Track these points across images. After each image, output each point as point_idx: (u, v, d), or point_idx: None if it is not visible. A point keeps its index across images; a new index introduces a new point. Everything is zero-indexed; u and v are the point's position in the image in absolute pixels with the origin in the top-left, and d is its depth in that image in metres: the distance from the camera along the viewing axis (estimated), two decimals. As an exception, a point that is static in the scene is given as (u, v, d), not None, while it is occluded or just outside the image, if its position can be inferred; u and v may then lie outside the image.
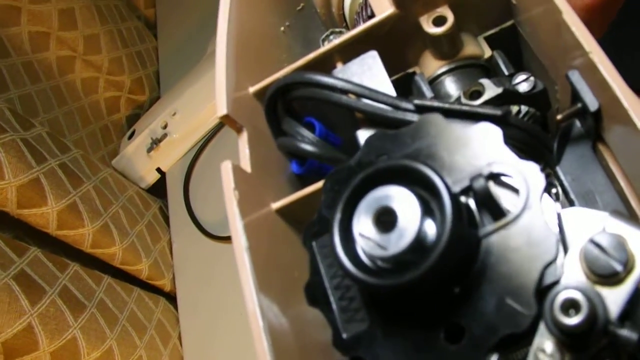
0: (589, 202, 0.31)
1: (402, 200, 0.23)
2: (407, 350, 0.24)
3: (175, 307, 0.94)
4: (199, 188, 1.00)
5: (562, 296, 0.21)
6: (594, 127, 0.31)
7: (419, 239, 0.22)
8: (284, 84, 0.34)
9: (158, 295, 0.93)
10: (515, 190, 0.24)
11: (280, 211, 0.35)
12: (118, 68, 1.07)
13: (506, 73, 0.36)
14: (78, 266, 0.80)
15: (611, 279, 0.22)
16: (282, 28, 0.44)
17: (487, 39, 0.38)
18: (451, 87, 0.37)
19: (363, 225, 0.23)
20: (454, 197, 0.22)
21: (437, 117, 0.27)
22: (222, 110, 0.34)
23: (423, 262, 0.21)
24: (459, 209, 0.22)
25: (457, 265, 0.23)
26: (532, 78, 0.34)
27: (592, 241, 0.22)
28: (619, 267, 0.22)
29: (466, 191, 0.25)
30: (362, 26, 0.35)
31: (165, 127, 1.03)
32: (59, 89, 0.97)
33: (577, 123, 0.33)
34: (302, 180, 0.39)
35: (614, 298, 0.22)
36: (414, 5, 0.35)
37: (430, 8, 0.35)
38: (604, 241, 0.22)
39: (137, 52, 1.13)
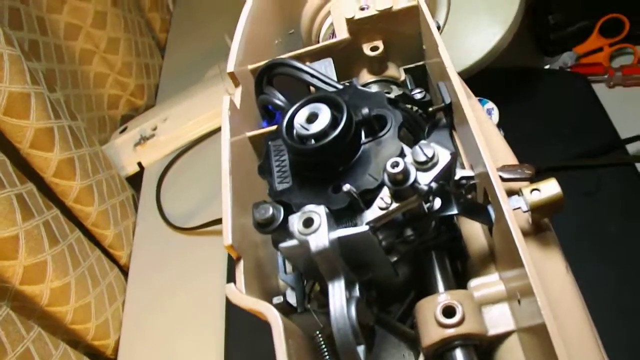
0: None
1: (322, 109, 0.42)
2: (309, 196, 0.42)
3: (127, 280, 1.07)
4: (170, 187, 1.16)
5: (391, 161, 0.40)
6: (450, 119, 0.51)
7: (326, 129, 0.41)
8: (272, 63, 0.54)
9: (113, 264, 1.08)
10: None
11: (251, 139, 0.53)
12: (127, 71, 1.27)
13: (409, 87, 0.57)
14: (59, 212, 0.95)
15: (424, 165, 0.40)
16: (276, 41, 0.64)
17: (405, 70, 0.59)
18: (373, 89, 0.57)
19: (299, 118, 0.42)
20: (349, 112, 0.41)
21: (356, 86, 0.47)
22: (230, 68, 0.53)
23: (326, 138, 0.41)
24: (350, 119, 0.41)
25: (345, 150, 0.42)
26: (424, 92, 0.54)
27: (419, 145, 0.41)
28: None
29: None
30: (327, 42, 0.55)
31: (155, 129, 1.21)
32: (75, 74, 1.15)
33: (443, 119, 0.53)
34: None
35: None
36: (361, 35, 0.56)
37: (370, 39, 0.56)
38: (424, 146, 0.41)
39: (145, 64, 1.34)
